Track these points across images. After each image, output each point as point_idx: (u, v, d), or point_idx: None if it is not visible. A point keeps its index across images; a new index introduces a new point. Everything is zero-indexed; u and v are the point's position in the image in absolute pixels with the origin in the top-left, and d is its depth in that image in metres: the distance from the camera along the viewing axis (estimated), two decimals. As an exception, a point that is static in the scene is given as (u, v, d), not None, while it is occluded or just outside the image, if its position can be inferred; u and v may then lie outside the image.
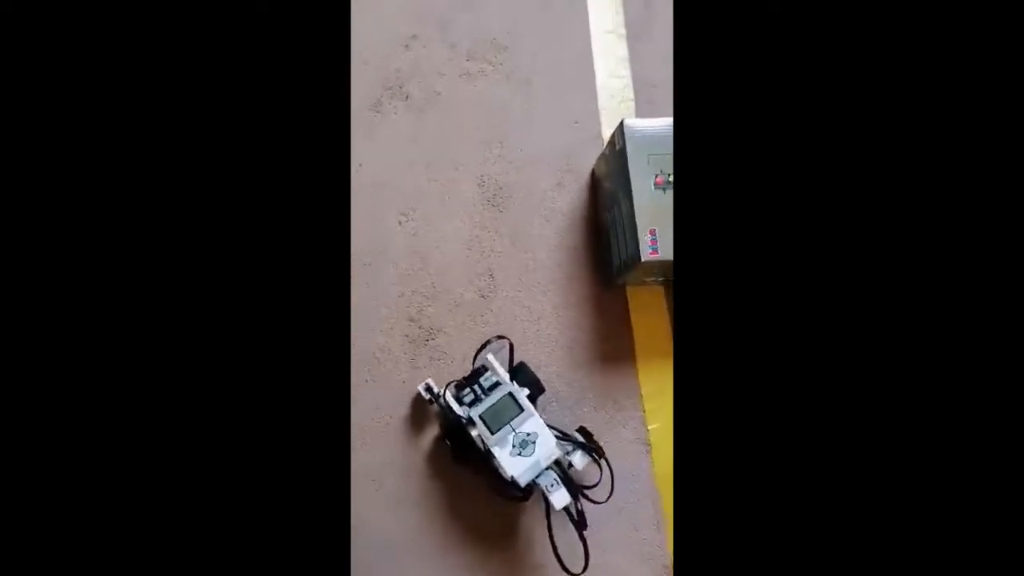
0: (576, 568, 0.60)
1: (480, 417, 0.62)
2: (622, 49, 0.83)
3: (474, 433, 0.62)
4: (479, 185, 0.77)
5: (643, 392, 0.74)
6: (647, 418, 0.73)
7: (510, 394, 0.63)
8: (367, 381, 0.71)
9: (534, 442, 0.61)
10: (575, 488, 0.62)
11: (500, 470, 0.61)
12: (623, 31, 0.83)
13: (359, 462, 0.69)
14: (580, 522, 0.61)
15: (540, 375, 0.68)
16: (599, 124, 0.81)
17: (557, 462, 0.62)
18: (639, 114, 0.82)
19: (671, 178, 0.64)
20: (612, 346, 0.74)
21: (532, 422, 0.62)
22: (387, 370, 0.71)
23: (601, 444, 0.66)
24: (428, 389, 0.67)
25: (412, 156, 0.76)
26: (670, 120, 0.66)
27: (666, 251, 0.62)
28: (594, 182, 0.78)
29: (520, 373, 0.67)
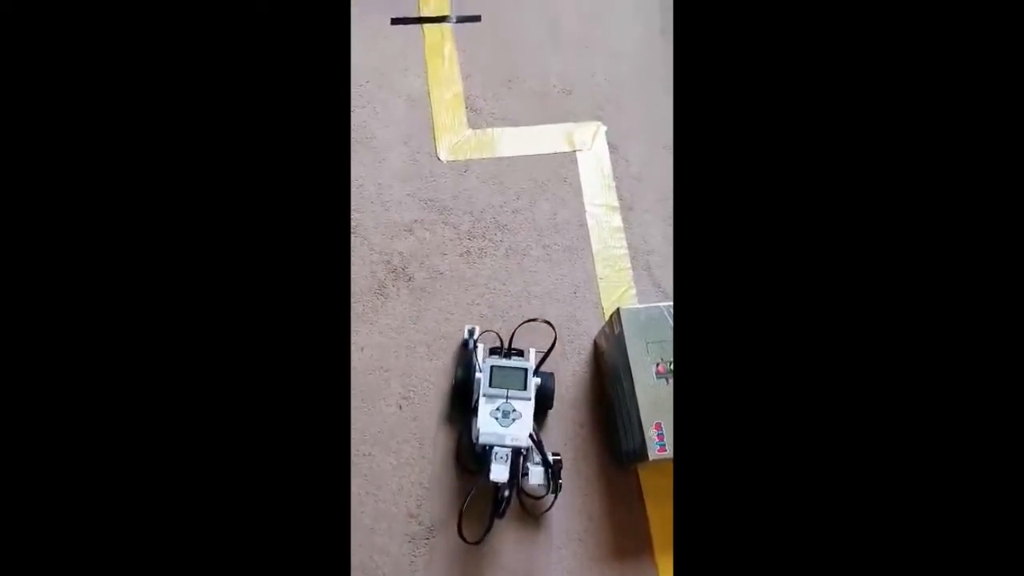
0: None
1: (491, 367, 0.66)
2: (616, 220, 0.86)
3: (477, 376, 0.67)
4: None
5: (665, 592, 0.67)
6: (672, 623, 0.66)
7: (525, 371, 0.66)
8: (363, 591, 0.65)
9: (514, 420, 0.63)
10: (517, 482, 0.64)
11: (473, 424, 0.65)
12: (616, 203, 0.87)
13: None
14: (500, 510, 0.63)
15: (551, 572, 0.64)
16: (598, 293, 0.82)
17: (517, 453, 0.63)
18: (637, 280, 0.83)
19: (672, 366, 0.63)
20: (627, 538, 0.69)
21: (525, 406, 0.65)
22: (385, 576, 0.66)
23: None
24: (471, 333, 0.74)
25: (414, 337, 0.77)
26: (665, 304, 0.66)
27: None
28: (597, 353, 0.78)
29: (542, 376, 0.69)
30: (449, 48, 0.93)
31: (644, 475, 0.71)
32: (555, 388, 0.70)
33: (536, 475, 0.65)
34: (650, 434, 0.60)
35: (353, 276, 0.80)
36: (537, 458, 0.65)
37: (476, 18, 0.96)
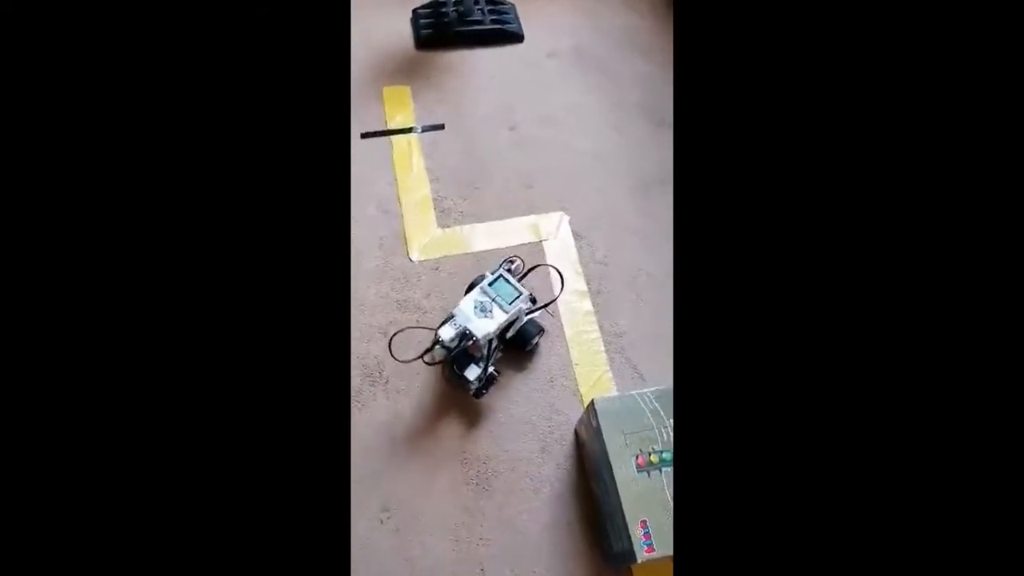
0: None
1: (499, 275, 0.76)
2: (586, 305, 0.88)
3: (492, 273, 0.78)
4: (462, 463, 0.75)
5: None
6: None
7: (520, 295, 0.75)
8: None
9: (485, 317, 0.72)
10: (452, 356, 0.72)
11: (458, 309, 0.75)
12: (584, 288, 0.90)
13: None
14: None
15: None
16: (575, 380, 0.82)
17: (466, 338, 0.71)
18: (612, 364, 0.84)
19: (652, 457, 0.62)
20: (627, 648, 0.65)
21: (500, 315, 0.73)
22: None
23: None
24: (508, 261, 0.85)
25: (394, 445, 0.76)
26: (638, 391, 0.67)
27: (663, 545, 0.58)
28: (579, 443, 0.77)
29: (532, 321, 0.81)
30: (416, 156, 1.00)
31: (639, 574, 0.68)
32: (537, 337, 0.81)
33: (473, 372, 0.74)
34: (636, 534, 0.58)
35: (329, 383, 0.79)
36: (482, 363, 0.75)
37: (440, 126, 1.03)
